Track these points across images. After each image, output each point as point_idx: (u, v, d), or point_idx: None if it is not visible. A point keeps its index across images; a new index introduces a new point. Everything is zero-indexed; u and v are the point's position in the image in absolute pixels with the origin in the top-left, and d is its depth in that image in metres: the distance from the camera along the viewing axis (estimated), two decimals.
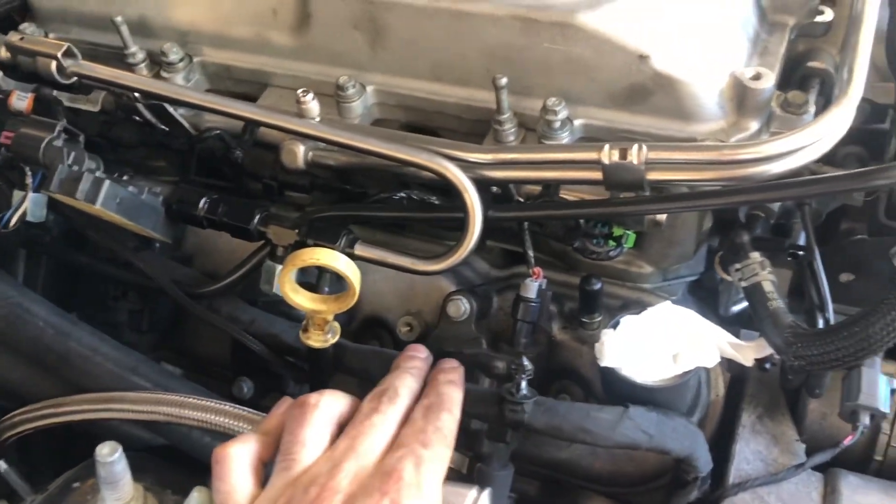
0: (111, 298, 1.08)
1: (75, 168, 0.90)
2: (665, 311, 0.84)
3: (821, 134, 0.81)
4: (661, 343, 0.82)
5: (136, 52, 1.09)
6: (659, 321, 0.83)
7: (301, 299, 0.80)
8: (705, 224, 0.99)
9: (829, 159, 0.96)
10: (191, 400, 0.79)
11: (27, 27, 1.15)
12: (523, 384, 0.78)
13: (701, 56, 0.88)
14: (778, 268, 0.91)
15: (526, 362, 0.78)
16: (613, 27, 0.87)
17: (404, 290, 1.04)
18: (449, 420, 0.74)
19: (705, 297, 1.12)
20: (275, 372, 1.01)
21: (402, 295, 1.05)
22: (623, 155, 0.81)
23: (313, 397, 0.72)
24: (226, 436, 0.78)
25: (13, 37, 0.97)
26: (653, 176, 0.82)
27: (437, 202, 0.97)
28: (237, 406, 0.78)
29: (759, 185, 0.81)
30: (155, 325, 1.11)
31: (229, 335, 0.98)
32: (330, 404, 0.73)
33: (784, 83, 0.99)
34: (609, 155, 0.81)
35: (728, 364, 0.91)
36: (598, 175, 0.83)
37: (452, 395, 0.77)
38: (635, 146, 0.81)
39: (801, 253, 0.95)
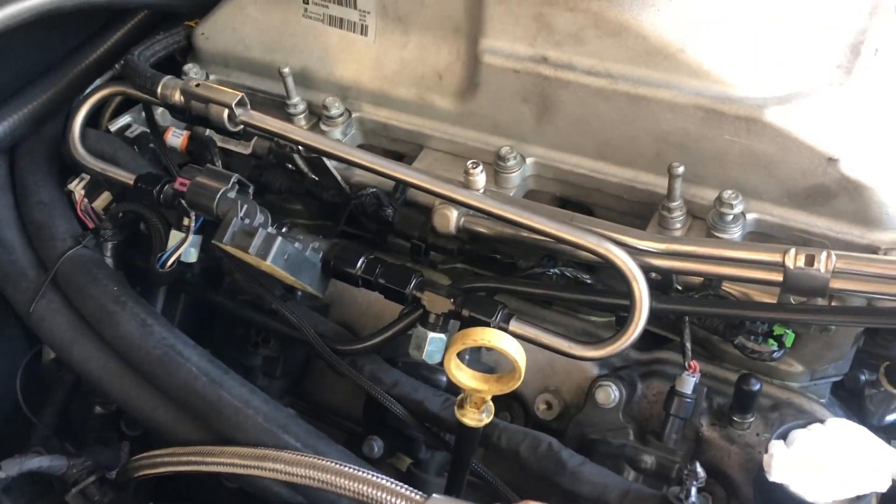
0: (252, 343, 1.08)
1: (247, 221, 0.90)
2: (839, 427, 0.80)
3: None
4: (833, 461, 0.78)
5: (298, 102, 1.11)
6: (833, 438, 0.79)
7: (464, 377, 0.79)
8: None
9: None
10: (348, 470, 0.78)
11: (191, 68, 1.18)
12: (693, 491, 0.75)
13: (889, 163, 0.85)
14: None
15: (699, 469, 0.75)
16: (803, 126, 0.85)
17: (543, 366, 1.02)
18: None
19: (846, 398, 1.08)
20: (407, 435, 1.00)
21: (541, 370, 1.03)
22: (810, 261, 0.78)
23: None
24: None
25: (191, 83, 0.99)
26: (836, 285, 0.79)
27: (588, 280, 0.96)
28: (394, 482, 0.77)
29: None
30: (286, 373, 1.11)
31: (360, 390, 0.98)
32: None
33: None
34: (795, 259, 0.79)
35: None
36: (777, 277, 0.81)
37: None
38: (824, 253, 0.78)
39: None
